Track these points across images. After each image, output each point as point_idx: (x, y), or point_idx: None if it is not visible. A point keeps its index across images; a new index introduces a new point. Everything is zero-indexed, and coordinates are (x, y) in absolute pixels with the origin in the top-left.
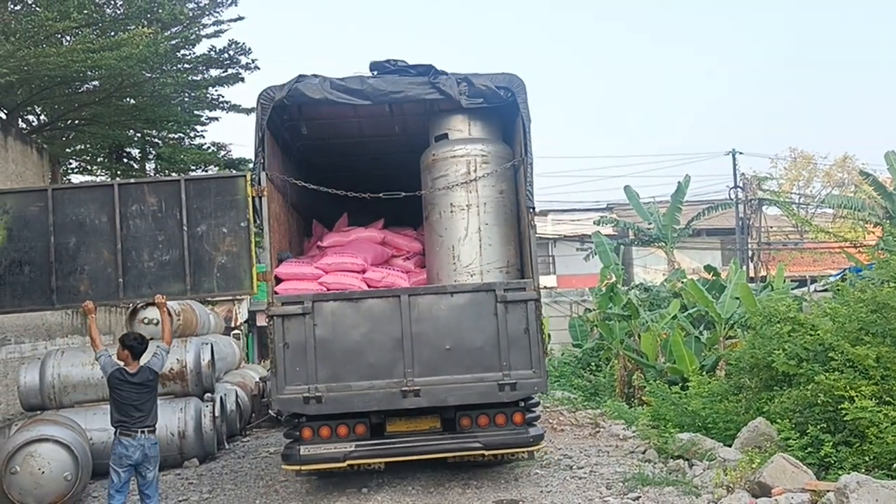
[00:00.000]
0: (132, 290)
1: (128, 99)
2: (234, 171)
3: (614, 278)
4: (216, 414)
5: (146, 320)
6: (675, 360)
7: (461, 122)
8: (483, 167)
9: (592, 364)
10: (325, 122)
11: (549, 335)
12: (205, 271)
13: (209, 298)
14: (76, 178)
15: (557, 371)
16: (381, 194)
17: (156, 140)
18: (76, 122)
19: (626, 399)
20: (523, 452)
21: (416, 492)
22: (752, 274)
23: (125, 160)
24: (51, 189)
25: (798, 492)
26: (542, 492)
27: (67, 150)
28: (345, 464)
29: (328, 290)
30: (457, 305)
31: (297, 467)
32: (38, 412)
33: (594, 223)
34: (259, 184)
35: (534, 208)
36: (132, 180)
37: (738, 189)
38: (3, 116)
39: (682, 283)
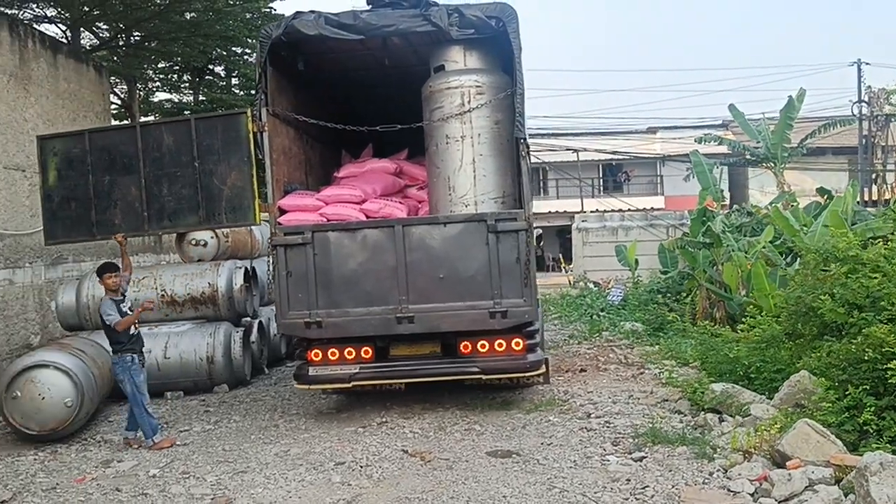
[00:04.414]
0: (155, 223)
1: (188, 14)
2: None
3: (712, 201)
4: (253, 339)
5: (194, 241)
6: (757, 296)
7: (457, 53)
8: (477, 98)
9: (670, 295)
10: (338, 56)
11: (636, 261)
12: (215, 204)
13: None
14: (161, 96)
15: (636, 300)
16: (377, 127)
17: (238, 58)
18: (144, 39)
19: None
20: (527, 378)
21: (412, 435)
22: (874, 197)
23: (208, 77)
24: (87, 133)
25: (820, 465)
26: (542, 444)
27: (149, 69)
28: (350, 384)
29: (328, 220)
30: (449, 235)
31: (306, 386)
32: (76, 333)
33: (696, 141)
34: (260, 119)
35: (524, 138)
36: (151, 121)
37: (863, 104)
38: (62, 31)
39: (793, 206)
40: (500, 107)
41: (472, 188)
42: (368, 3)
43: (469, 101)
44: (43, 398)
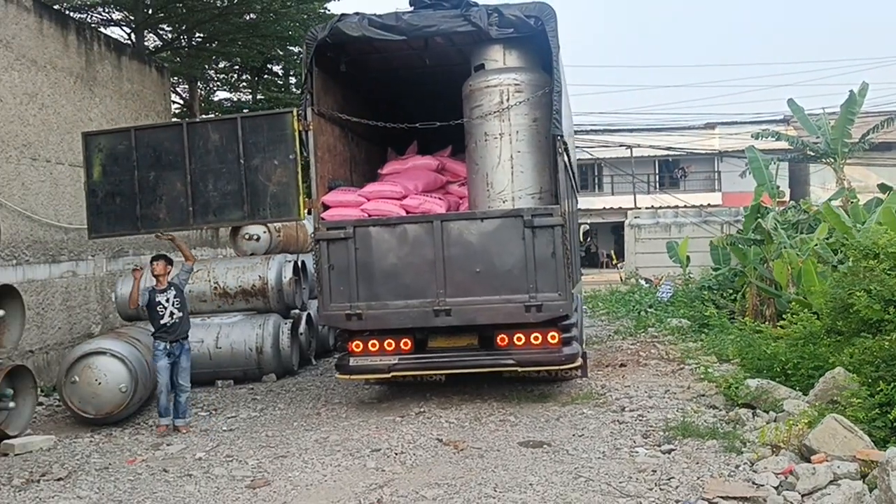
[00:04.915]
0: (200, 217)
1: (247, 16)
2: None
3: (768, 197)
4: (301, 331)
5: (247, 236)
6: (806, 293)
7: (497, 51)
8: (515, 96)
9: (720, 292)
10: (383, 55)
11: (688, 257)
12: (260, 200)
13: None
14: (221, 96)
15: (685, 297)
16: (417, 124)
17: (295, 58)
18: (205, 40)
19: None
20: (564, 371)
21: (448, 425)
22: None
23: (266, 77)
24: (133, 130)
25: (846, 460)
26: (573, 435)
27: (209, 69)
28: (389, 375)
29: (369, 216)
30: (486, 230)
31: (347, 377)
32: (134, 323)
33: (752, 137)
34: (305, 119)
35: (561, 135)
36: (198, 119)
37: None
38: (126, 33)
39: (853, 203)
40: (539, 104)
41: (510, 184)
42: (411, 4)
43: (508, 100)
44: (99, 383)
